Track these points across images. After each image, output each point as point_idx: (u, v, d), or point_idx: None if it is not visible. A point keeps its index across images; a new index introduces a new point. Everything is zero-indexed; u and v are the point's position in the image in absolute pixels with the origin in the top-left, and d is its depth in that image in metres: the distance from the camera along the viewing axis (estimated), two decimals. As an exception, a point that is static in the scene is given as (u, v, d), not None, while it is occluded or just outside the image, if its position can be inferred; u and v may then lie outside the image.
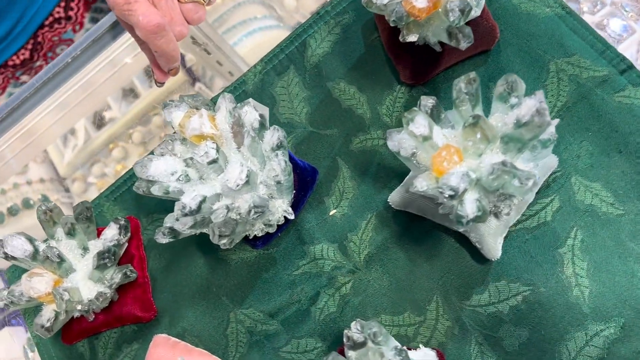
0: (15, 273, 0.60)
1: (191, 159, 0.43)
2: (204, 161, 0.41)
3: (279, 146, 0.43)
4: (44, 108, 0.76)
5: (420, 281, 0.47)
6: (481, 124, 0.37)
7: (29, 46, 0.74)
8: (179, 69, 0.57)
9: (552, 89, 0.48)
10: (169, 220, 0.43)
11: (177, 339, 0.51)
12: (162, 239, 0.43)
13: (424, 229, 0.48)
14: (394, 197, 0.48)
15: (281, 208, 0.47)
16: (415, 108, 0.40)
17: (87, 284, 0.49)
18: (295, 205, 0.50)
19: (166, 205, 0.55)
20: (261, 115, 0.44)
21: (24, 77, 0.81)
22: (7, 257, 0.48)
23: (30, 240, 0.48)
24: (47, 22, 0.73)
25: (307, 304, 0.49)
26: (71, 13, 0.75)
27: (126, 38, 0.75)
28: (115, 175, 0.96)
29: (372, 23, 0.54)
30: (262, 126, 0.44)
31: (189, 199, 0.41)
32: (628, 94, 0.46)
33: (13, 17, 0.70)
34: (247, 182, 0.40)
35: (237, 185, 0.40)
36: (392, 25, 0.43)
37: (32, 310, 0.59)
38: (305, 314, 0.49)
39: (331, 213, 0.51)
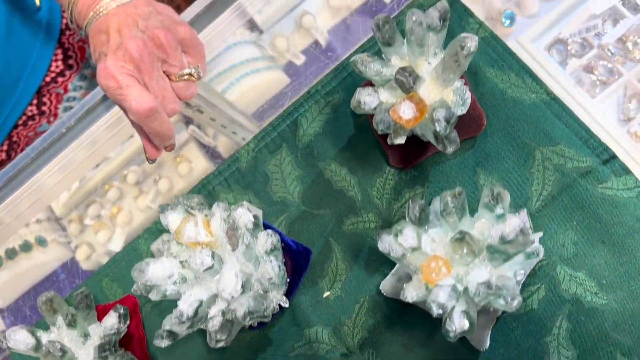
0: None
1: (187, 261, 0.44)
2: (199, 269, 0.42)
3: (273, 250, 0.44)
4: (48, 169, 0.78)
5: (412, 366, 0.49)
6: (467, 240, 0.38)
7: (5, 147, 0.74)
8: (175, 144, 0.59)
9: (538, 177, 0.49)
10: (167, 323, 0.44)
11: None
12: (161, 343, 0.44)
13: (416, 315, 0.49)
14: (386, 286, 0.49)
15: (276, 299, 0.48)
16: (403, 220, 0.41)
17: (89, 372, 0.50)
18: (290, 290, 0.51)
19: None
20: (255, 217, 0.45)
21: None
22: (8, 347, 0.50)
23: (32, 332, 0.50)
24: (20, 122, 0.74)
25: (302, 386, 0.51)
26: (44, 108, 0.75)
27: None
28: (111, 219, 0.97)
29: (362, 103, 0.55)
30: (257, 227, 0.45)
31: (186, 306, 0.42)
32: (611, 185, 0.47)
33: None
34: (242, 292, 0.41)
35: (233, 297, 0.41)
36: (379, 133, 0.44)
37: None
38: (301, 395, 0.51)
39: (325, 295, 0.52)
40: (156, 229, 0.59)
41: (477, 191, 0.50)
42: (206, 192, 0.58)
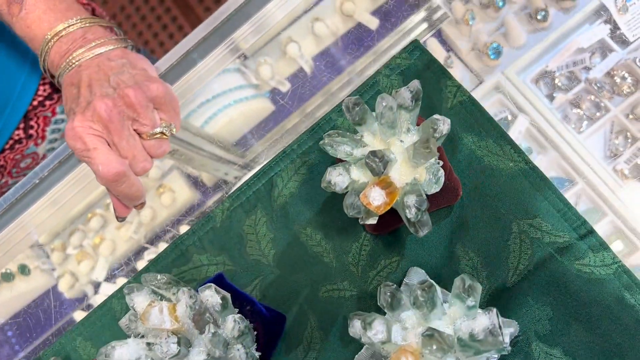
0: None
1: (154, 344, 0.43)
2: (165, 357, 0.41)
3: (241, 335, 0.43)
4: (37, 207, 0.77)
5: None
6: (436, 337, 0.38)
7: None
8: (145, 202, 0.57)
9: (514, 249, 0.48)
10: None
11: None
12: None
13: (389, 389, 0.49)
14: (359, 361, 0.48)
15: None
16: (372, 313, 0.40)
17: None
18: (263, 358, 0.50)
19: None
20: (223, 298, 0.44)
21: None
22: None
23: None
24: (7, 146, 0.72)
25: None
26: (32, 131, 0.74)
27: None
28: (94, 249, 0.96)
29: (338, 164, 0.54)
30: (225, 308, 0.44)
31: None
32: (588, 262, 0.46)
33: None
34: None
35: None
36: (349, 216, 0.43)
37: None
38: None
39: (292, 364, 0.52)
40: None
41: (452, 261, 0.49)
42: (179, 252, 0.57)
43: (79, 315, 0.96)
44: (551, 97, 0.56)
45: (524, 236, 0.48)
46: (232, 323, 0.43)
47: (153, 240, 0.95)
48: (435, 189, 0.44)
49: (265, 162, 0.57)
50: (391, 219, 0.50)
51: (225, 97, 0.93)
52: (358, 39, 0.72)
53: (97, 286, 0.95)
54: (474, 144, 0.50)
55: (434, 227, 0.50)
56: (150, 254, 0.97)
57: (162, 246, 0.96)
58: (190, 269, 0.56)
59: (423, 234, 0.42)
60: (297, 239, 0.54)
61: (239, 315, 0.44)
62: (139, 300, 0.44)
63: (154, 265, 0.57)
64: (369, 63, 0.68)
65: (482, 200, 0.49)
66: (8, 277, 0.97)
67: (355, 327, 0.42)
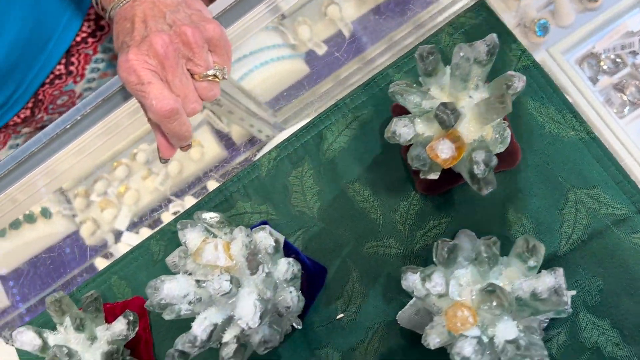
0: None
1: (203, 281, 0.43)
2: (217, 293, 0.41)
3: (293, 279, 0.43)
4: (65, 153, 0.76)
5: (421, 398, 0.48)
6: (498, 293, 0.37)
7: (30, 104, 0.72)
8: (191, 145, 0.57)
9: (569, 218, 0.47)
10: (179, 343, 0.43)
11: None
12: (176, 362, 0.43)
13: (430, 350, 0.48)
14: (403, 317, 0.48)
15: (289, 322, 0.47)
16: (431, 266, 0.40)
17: (95, 377, 0.50)
18: (304, 310, 0.50)
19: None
20: (276, 241, 0.44)
21: (25, 129, 0.79)
22: (14, 345, 0.49)
23: (39, 333, 0.49)
24: (47, 80, 0.71)
25: (309, 407, 0.50)
26: (72, 68, 0.73)
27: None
28: (118, 197, 0.95)
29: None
30: (277, 251, 0.44)
31: (200, 330, 0.41)
32: (644, 236, 0.46)
33: (14, 82, 0.68)
34: (259, 323, 0.40)
35: (250, 328, 0.40)
36: (413, 168, 0.43)
37: None
38: (307, 416, 0.50)
39: (338, 317, 0.51)
40: (168, 230, 0.57)
41: (504, 227, 0.49)
42: (223, 198, 0.56)
43: (99, 261, 0.96)
44: (595, 80, 0.55)
45: (580, 206, 0.47)
46: (286, 265, 0.43)
47: (179, 193, 0.95)
48: (500, 148, 0.43)
49: (315, 115, 0.56)
50: (445, 180, 0.50)
51: (263, 54, 0.92)
52: (400, 3, 0.70)
53: (118, 235, 0.95)
54: (535, 110, 0.49)
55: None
56: (176, 207, 0.97)
57: (189, 199, 0.95)
58: (234, 215, 0.55)
59: (487, 192, 0.42)
60: (344, 194, 0.53)
61: (293, 258, 0.43)
62: (192, 237, 0.44)
63: (197, 209, 0.57)
64: (410, 31, 0.67)
65: (539, 167, 0.49)
66: (30, 218, 0.97)
67: (409, 280, 0.42)
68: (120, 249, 0.90)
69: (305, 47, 0.91)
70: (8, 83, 0.70)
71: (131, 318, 0.50)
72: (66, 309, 0.50)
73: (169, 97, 0.47)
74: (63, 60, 0.71)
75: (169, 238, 0.57)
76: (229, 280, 0.41)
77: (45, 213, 0.97)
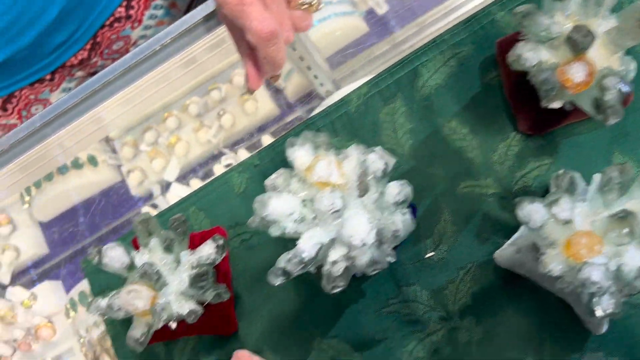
0: (91, 264, 0.59)
1: (311, 201, 0.42)
2: (327, 210, 0.40)
3: (403, 201, 0.42)
4: (115, 100, 0.75)
5: (514, 339, 0.47)
6: (631, 220, 0.36)
7: (88, 46, 0.71)
8: (280, 76, 0.56)
9: (680, 163, 0.46)
10: (282, 261, 0.42)
11: (260, 358, 0.52)
12: (275, 281, 0.42)
13: (526, 288, 0.47)
14: (502, 255, 0.47)
15: (385, 253, 0.46)
16: (557, 191, 0.38)
17: (178, 299, 0.49)
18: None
19: (250, 214, 0.54)
20: (386, 164, 0.42)
21: (79, 73, 0.78)
22: (101, 264, 0.48)
23: (128, 251, 0.48)
24: (107, 22, 0.70)
25: (394, 344, 0.49)
26: (131, 12, 0.72)
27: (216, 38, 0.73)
28: (168, 147, 0.94)
29: (492, 61, 0.52)
30: (385, 175, 0.43)
31: (309, 247, 0.40)
32: None
33: (77, 20, 0.67)
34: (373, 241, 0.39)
35: (364, 245, 0.39)
36: (543, 93, 0.41)
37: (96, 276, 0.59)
38: (391, 353, 0.49)
39: (428, 256, 0.50)
40: (251, 163, 0.56)
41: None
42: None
43: (146, 210, 0.95)
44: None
45: (694, 151, 0.46)
46: (398, 187, 0.42)
47: (231, 146, 0.94)
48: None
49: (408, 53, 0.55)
50: (549, 119, 0.48)
51: (325, 9, 0.90)
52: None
53: (166, 186, 0.94)
54: (649, 52, 0.48)
55: (592, 133, 0.48)
56: (228, 159, 0.96)
57: (241, 152, 0.94)
58: (321, 150, 0.54)
59: (612, 123, 0.40)
60: (439, 132, 0.52)
61: (405, 180, 0.42)
62: (300, 155, 0.42)
63: (276, 145, 0.56)
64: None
65: (651, 110, 0.47)
66: (77, 164, 0.96)
67: (526, 209, 0.40)
68: (170, 199, 0.89)
69: (366, 5, 0.90)
70: (71, 21, 0.68)
71: (220, 242, 0.49)
72: (152, 230, 0.49)
73: (270, 19, 0.46)
74: (124, 3, 0.70)
75: (250, 171, 0.56)
76: (341, 198, 0.40)
77: (92, 160, 0.96)
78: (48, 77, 0.78)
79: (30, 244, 0.95)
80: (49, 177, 0.95)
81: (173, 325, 0.51)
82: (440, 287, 0.49)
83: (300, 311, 0.52)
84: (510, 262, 0.47)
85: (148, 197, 0.94)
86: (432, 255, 0.50)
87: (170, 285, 0.49)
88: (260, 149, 0.57)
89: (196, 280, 0.47)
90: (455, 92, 0.52)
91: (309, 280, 0.52)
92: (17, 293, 0.95)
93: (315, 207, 0.41)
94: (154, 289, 0.47)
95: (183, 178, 0.94)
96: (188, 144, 0.93)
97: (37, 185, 0.96)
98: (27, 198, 0.97)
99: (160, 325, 0.47)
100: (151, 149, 0.94)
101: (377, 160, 0.42)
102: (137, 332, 0.47)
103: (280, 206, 0.42)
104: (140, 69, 0.79)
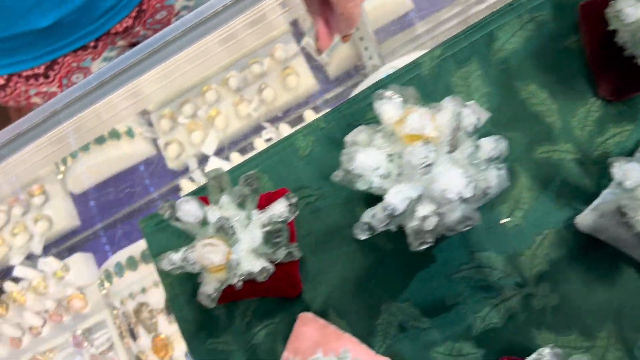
0: (150, 224, 0.59)
1: (398, 156, 0.41)
2: (419, 164, 0.39)
3: (497, 158, 0.41)
4: (154, 73, 0.74)
5: (593, 306, 0.46)
6: None
7: (133, 14, 0.70)
8: (351, 36, 0.55)
9: None
10: (366, 216, 0.41)
11: (325, 321, 0.51)
12: (361, 235, 0.41)
13: (606, 255, 0.46)
14: (583, 221, 0.46)
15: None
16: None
17: (248, 257, 0.48)
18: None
19: (315, 177, 0.54)
20: (478, 119, 0.41)
21: (121, 42, 0.77)
22: (173, 219, 0.47)
23: (201, 206, 0.47)
24: None
25: (466, 309, 0.49)
26: None
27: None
28: (208, 120, 0.94)
29: (572, 25, 0.50)
30: (477, 131, 0.42)
31: (398, 202, 0.40)
32: None
33: None
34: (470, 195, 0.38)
35: (460, 198, 0.38)
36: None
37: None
38: (463, 318, 0.49)
39: (502, 221, 0.49)
40: (317, 126, 0.55)
41: (694, 137, 0.47)
42: (380, 94, 0.54)
43: (184, 183, 0.94)
44: None
45: None
46: (493, 142, 0.41)
47: (271, 121, 0.93)
48: None
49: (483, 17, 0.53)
50: (632, 84, 0.47)
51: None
52: None
53: (203, 159, 0.93)
54: None
55: (679, 99, 0.47)
56: (269, 134, 0.95)
57: (283, 127, 0.93)
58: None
59: None
60: (516, 96, 0.51)
61: (500, 135, 0.41)
62: (388, 108, 0.41)
63: (354, 101, 0.54)
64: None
65: None
66: (115, 135, 0.96)
67: (622, 169, 0.39)
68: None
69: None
70: None
71: (293, 200, 0.48)
72: (224, 187, 0.49)
73: None
74: None
75: (316, 134, 0.55)
76: (435, 152, 0.39)
77: (129, 132, 0.95)
78: (92, 44, 0.77)
79: (63, 216, 0.95)
80: (85, 148, 0.95)
81: (239, 284, 0.51)
82: (515, 253, 0.48)
83: (367, 275, 0.51)
84: (593, 227, 0.46)
85: (185, 171, 0.93)
86: (507, 222, 0.49)
87: (241, 242, 0.48)
88: (327, 111, 0.56)
89: (271, 237, 0.46)
90: (534, 56, 0.51)
91: (375, 244, 0.52)
92: (49, 264, 0.95)
93: (404, 161, 0.40)
94: (228, 245, 0.46)
95: (222, 152, 0.93)
96: (227, 118, 0.92)
97: (73, 155, 0.95)
98: (62, 168, 0.96)
99: (235, 280, 0.46)
100: (190, 122, 0.93)
101: (470, 114, 0.41)
102: (210, 287, 0.47)
103: (367, 160, 0.41)
104: (180, 42, 0.78)
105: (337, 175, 0.42)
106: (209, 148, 0.92)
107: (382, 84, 0.54)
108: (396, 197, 0.39)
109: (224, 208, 0.48)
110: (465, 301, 0.49)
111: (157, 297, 0.91)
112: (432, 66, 0.53)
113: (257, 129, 0.92)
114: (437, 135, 0.40)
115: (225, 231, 0.45)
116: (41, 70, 0.78)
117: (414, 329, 0.49)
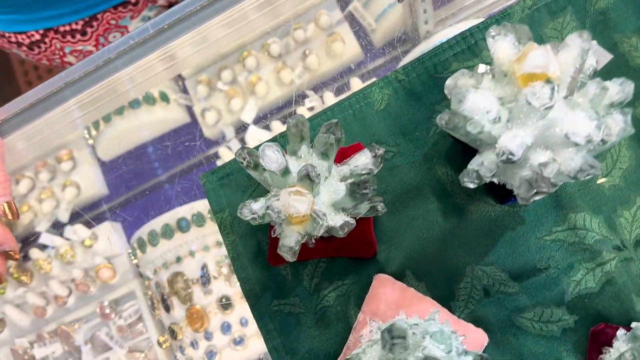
0: (212, 179, 0.55)
1: (510, 100, 0.38)
2: (540, 106, 0.36)
3: (620, 104, 0.37)
4: (190, 36, 0.71)
5: (698, 273, 0.43)
6: None
7: None
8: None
9: None
10: (475, 163, 0.38)
11: (402, 283, 0.48)
12: (469, 184, 0.38)
13: None
14: (696, 179, 0.43)
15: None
16: None
17: (329, 211, 0.45)
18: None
19: (392, 132, 0.50)
20: (597, 62, 0.38)
21: (161, 1, 0.74)
22: (251, 166, 0.44)
23: (283, 153, 0.44)
24: None
25: (558, 273, 0.46)
26: None
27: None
28: (247, 86, 0.90)
29: (679, -26, 0.47)
30: (596, 75, 0.38)
31: (515, 146, 0.36)
32: None
33: None
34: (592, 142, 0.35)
35: (589, 142, 0.35)
36: None
37: (228, 223, 0.55)
38: (554, 283, 0.46)
39: (599, 181, 0.46)
40: (394, 79, 0.52)
41: None
42: (465, 45, 0.51)
43: (222, 151, 0.91)
44: None
45: None
46: (618, 86, 0.37)
47: (315, 88, 0.89)
48: None
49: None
50: None
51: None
52: None
53: (241, 127, 0.90)
54: None
55: None
56: (312, 102, 0.91)
57: (327, 96, 0.90)
58: (477, 65, 0.50)
59: None
60: (616, 49, 0.48)
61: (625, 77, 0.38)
62: (503, 46, 0.38)
63: (425, 58, 0.51)
64: None
65: None
66: (149, 100, 0.92)
67: None
68: (249, 141, 0.86)
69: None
70: None
71: (379, 152, 0.45)
72: (305, 135, 0.45)
73: None
74: None
75: (393, 87, 0.52)
76: (556, 90, 0.36)
77: (164, 97, 0.92)
78: (132, 0, 0.73)
79: (91, 183, 0.92)
80: (119, 111, 0.91)
81: (311, 243, 0.48)
82: (614, 214, 0.45)
83: (449, 236, 0.48)
84: None
85: (222, 139, 0.90)
86: (603, 182, 0.46)
87: (321, 195, 0.45)
88: (405, 63, 0.53)
89: (357, 189, 0.43)
90: (636, 6, 0.48)
91: (457, 204, 0.49)
92: (78, 231, 0.91)
93: (519, 103, 0.37)
94: (313, 195, 0.43)
95: (262, 120, 0.90)
96: (268, 85, 0.89)
97: (106, 119, 0.91)
98: (93, 133, 0.93)
99: (320, 232, 0.43)
100: (228, 88, 0.90)
101: (590, 56, 0.38)
102: (291, 240, 0.43)
103: (479, 101, 0.37)
104: (218, 5, 0.75)
105: (443, 118, 0.38)
106: (248, 116, 0.89)
107: (471, 32, 0.51)
108: (513, 142, 0.36)
109: (304, 159, 0.45)
110: (558, 265, 0.46)
111: (193, 266, 0.88)
112: (522, 16, 0.50)
113: (300, 97, 0.89)
114: (558, 76, 0.37)
115: (311, 179, 0.42)
116: (79, 26, 0.75)
117: (500, 294, 0.46)
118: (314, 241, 0.47)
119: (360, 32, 0.90)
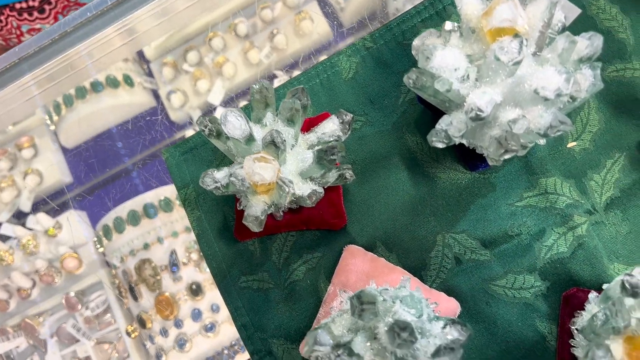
0: (175, 154, 0.53)
1: (478, 58, 0.37)
2: (508, 61, 0.35)
3: (589, 58, 0.37)
4: (147, 10, 0.68)
5: (668, 234, 0.43)
6: None
7: None
8: None
9: None
10: (443, 123, 0.37)
11: (372, 254, 0.47)
12: (437, 144, 0.37)
13: (684, 179, 0.43)
14: (664, 139, 0.43)
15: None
16: None
17: (297, 179, 0.43)
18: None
19: (360, 101, 0.49)
20: (566, 18, 0.37)
21: None
22: (213, 134, 0.42)
23: (247, 119, 0.42)
24: None
25: (529, 239, 0.45)
26: None
27: None
28: (214, 67, 0.88)
29: (645, -64, 0.47)
30: (563, 31, 0.38)
31: (484, 102, 0.35)
32: None
33: None
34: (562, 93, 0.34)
35: (558, 95, 0.34)
36: None
37: (192, 199, 0.53)
38: (526, 249, 0.45)
39: (569, 145, 0.46)
40: (362, 46, 0.51)
41: None
42: (433, 11, 0.50)
43: (189, 133, 0.88)
44: None
45: None
46: (586, 40, 0.37)
47: (285, 68, 0.87)
48: None
49: None
50: None
51: None
52: None
53: (209, 110, 0.88)
54: None
55: None
56: (281, 82, 0.90)
57: (297, 75, 0.88)
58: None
59: None
60: (584, 11, 0.47)
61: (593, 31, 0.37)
62: (470, 1, 0.37)
63: (392, 25, 0.50)
64: None
65: None
66: (114, 83, 0.89)
67: None
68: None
69: None
70: None
71: (347, 118, 0.44)
72: (270, 102, 0.44)
73: None
74: None
75: (361, 55, 0.51)
76: (525, 44, 0.35)
77: (128, 80, 0.89)
78: None
79: (54, 170, 0.88)
80: (81, 94, 0.88)
81: (279, 215, 0.46)
82: (584, 178, 0.45)
83: (419, 206, 0.47)
84: (674, 146, 0.43)
85: (189, 123, 0.88)
86: (573, 146, 0.46)
87: (287, 163, 0.43)
88: (374, 30, 0.51)
89: (325, 155, 0.42)
90: (603, -31, 0.47)
91: (427, 173, 0.48)
92: (41, 221, 0.88)
93: (487, 60, 0.36)
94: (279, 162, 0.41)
95: (230, 101, 0.88)
96: (235, 65, 0.87)
97: (68, 103, 0.88)
98: (55, 118, 0.90)
99: (287, 201, 0.41)
100: (195, 70, 0.87)
101: (558, 11, 0.37)
102: (257, 209, 0.42)
103: (447, 58, 0.36)
104: None
105: (410, 77, 0.37)
106: (216, 98, 0.87)
107: None
108: (482, 98, 0.35)
109: (269, 127, 0.44)
110: (529, 231, 0.45)
111: (161, 253, 0.85)
112: (490, -19, 0.49)
113: (269, 78, 0.87)
114: (526, 30, 0.36)
115: (276, 146, 0.40)
116: (36, 2, 0.72)
117: (471, 262, 0.45)
118: (282, 213, 0.46)
119: (329, 10, 0.89)
